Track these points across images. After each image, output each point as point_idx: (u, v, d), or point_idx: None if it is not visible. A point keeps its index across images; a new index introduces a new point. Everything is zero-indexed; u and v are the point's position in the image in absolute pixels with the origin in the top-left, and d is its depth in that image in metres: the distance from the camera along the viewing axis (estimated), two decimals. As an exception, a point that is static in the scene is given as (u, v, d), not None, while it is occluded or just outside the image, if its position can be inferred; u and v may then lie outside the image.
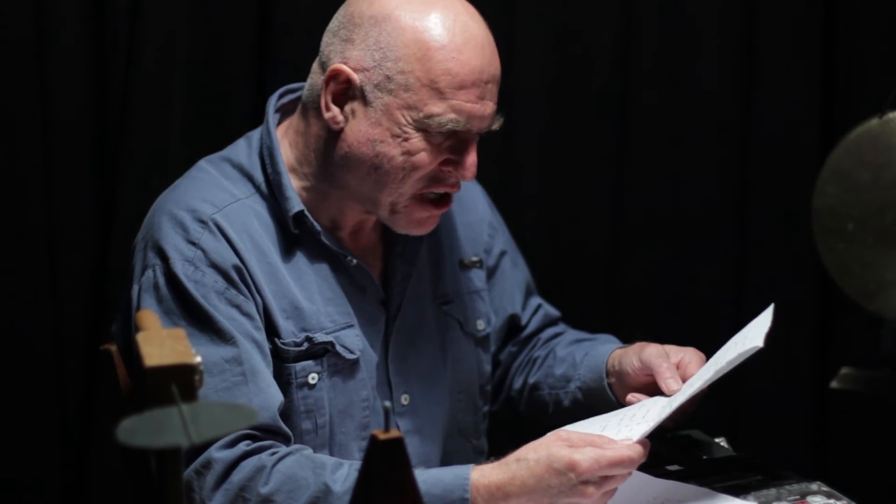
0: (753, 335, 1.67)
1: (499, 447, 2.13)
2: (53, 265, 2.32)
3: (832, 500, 1.68)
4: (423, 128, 1.74)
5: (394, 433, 1.28)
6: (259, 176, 1.83)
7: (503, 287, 2.08)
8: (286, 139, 1.85)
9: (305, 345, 1.79)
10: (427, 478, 1.64)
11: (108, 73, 2.32)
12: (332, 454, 1.81)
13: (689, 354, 1.84)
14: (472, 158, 1.78)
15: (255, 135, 1.88)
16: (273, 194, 1.82)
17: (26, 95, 2.27)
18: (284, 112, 1.89)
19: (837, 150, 2.24)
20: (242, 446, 1.66)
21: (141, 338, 1.20)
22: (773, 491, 1.70)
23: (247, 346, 1.72)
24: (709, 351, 1.89)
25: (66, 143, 2.31)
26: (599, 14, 2.63)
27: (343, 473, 1.66)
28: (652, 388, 1.82)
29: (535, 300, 2.14)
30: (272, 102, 1.88)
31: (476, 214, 2.06)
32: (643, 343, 1.89)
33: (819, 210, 2.25)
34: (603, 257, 2.72)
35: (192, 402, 1.11)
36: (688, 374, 1.80)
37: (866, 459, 2.74)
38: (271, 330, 1.77)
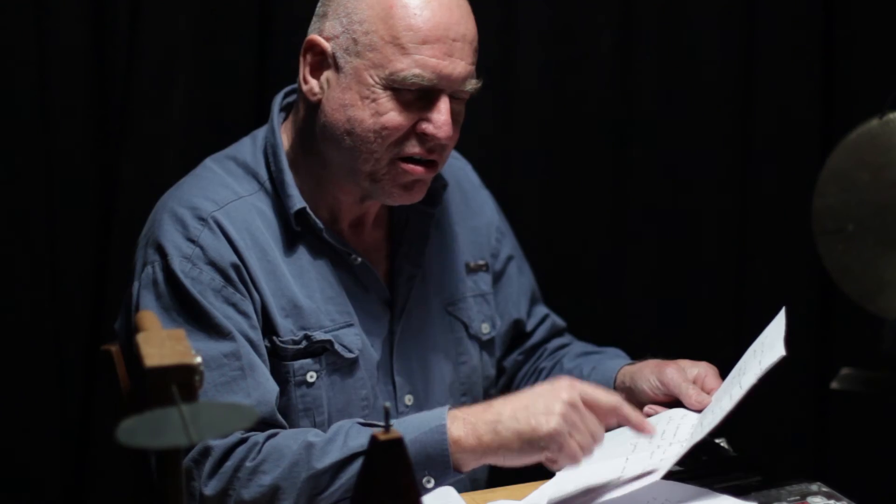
0: (772, 343, 1.67)
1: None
2: (53, 265, 2.32)
3: (832, 501, 1.68)
4: (390, 86, 1.75)
5: (394, 433, 1.28)
6: (263, 173, 1.84)
7: (509, 292, 2.08)
8: (286, 134, 1.87)
9: (304, 343, 1.79)
10: (407, 424, 1.67)
11: (108, 73, 2.32)
12: None
13: (703, 368, 1.84)
14: (443, 116, 1.77)
15: (260, 133, 1.89)
16: (276, 192, 1.82)
17: (26, 95, 2.27)
18: (289, 111, 1.90)
19: (837, 151, 2.24)
20: (238, 434, 1.67)
21: (141, 338, 1.20)
22: (772, 491, 1.70)
23: (244, 342, 1.73)
24: (710, 355, 1.89)
25: (66, 144, 2.31)
26: (599, 14, 2.63)
27: (330, 430, 1.68)
28: (668, 405, 1.84)
29: (542, 309, 2.14)
30: (277, 101, 1.90)
31: (483, 219, 2.06)
32: (659, 361, 1.89)
33: (819, 210, 2.25)
34: (602, 258, 2.72)
35: (192, 402, 1.11)
36: (706, 388, 1.81)
37: (866, 459, 2.74)
38: (270, 328, 1.78)
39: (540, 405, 1.64)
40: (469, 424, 1.66)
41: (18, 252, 2.30)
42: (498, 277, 2.07)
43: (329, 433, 1.68)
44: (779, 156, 2.76)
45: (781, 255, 2.78)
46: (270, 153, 1.84)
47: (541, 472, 1.78)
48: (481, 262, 2.03)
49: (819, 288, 2.74)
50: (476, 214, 2.05)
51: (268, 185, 1.83)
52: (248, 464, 1.65)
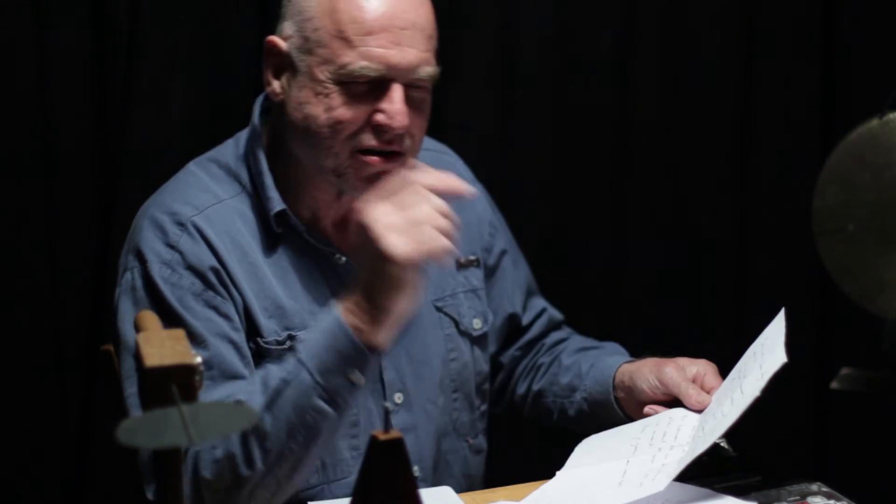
0: (772, 346, 1.67)
1: (498, 446, 2.14)
2: (53, 265, 2.32)
3: (832, 501, 1.68)
4: (341, 80, 1.75)
5: (394, 433, 1.28)
6: (245, 175, 1.85)
7: (503, 286, 2.08)
8: (267, 135, 1.87)
9: (288, 343, 1.80)
10: (310, 339, 1.70)
11: (108, 73, 2.32)
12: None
13: (702, 366, 1.85)
14: (396, 106, 1.75)
15: (243, 135, 1.90)
16: (258, 194, 1.83)
17: (27, 96, 2.27)
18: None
19: (837, 151, 2.23)
20: None
21: (141, 338, 1.20)
22: (773, 491, 1.70)
23: (220, 348, 1.73)
24: (710, 355, 1.89)
25: (66, 144, 2.31)
26: (599, 14, 2.63)
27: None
28: (668, 404, 1.83)
29: (539, 302, 2.14)
30: (259, 102, 1.90)
31: (474, 214, 2.05)
32: (658, 360, 1.89)
33: (819, 210, 2.24)
34: (603, 257, 2.72)
35: (192, 402, 1.11)
36: (705, 386, 1.81)
37: (866, 459, 2.74)
38: (253, 330, 1.78)
39: (373, 255, 1.66)
40: (358, 308, 1.68)
41: (18, 252, 2.31)
42: (492, 272, 2.06)
43: (252, 385, 1.70)
44: (779, 156, 2.76)
45: (781, 255, 2.78)
46: (251, 155, 1.85)
47: (541, 472, 1.78)
48: (472, 258, 2.02)
49: (819, 288, 2.74)
50: (467, 210, 2.04)
51: (249, 187, 1.84)
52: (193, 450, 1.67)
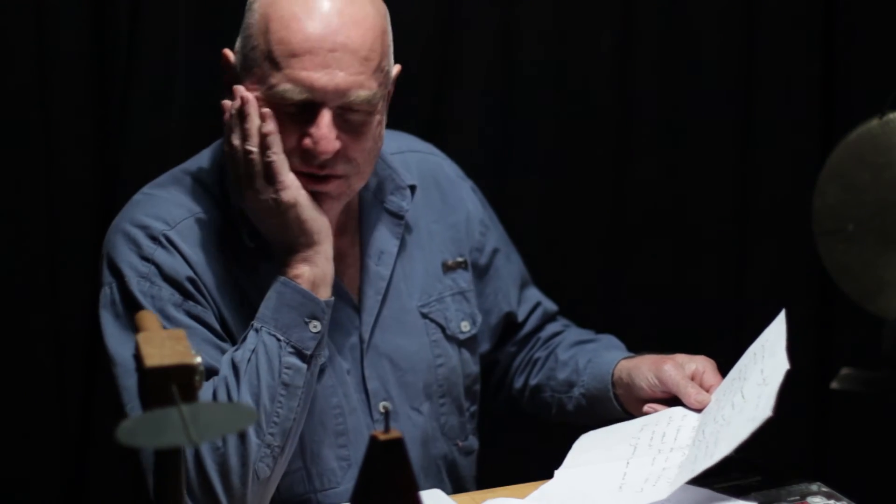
0: (773, 349, 1.66)
1: (494, 446, 2.14)
2: (53, 265, 2.32)
3: (832, 501, 1.68)
4: (272, 102, 1.73)
5: (394, 433, 1.28)
6: (217, 188, 1.84)
7: (497, 285, 2.07)
8: None
9: None
10: (263, 311, 1.73)
11: (108, 73, 2.32)
12: (304, 463, 1.81)
13: (700, 363, 1.85)
14: (321, 130, 1.72)
15: (218, 144, 1.89)
16: (230, 207, 1.82)
17: (27, 96, 2.26)
18: None
19: (837, 151, 2.24)
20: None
21: (141, 338, 1.20)
22: (773, 492, 1.70)
23: (207, 354, 1.73)
24: (710, 355, 1.89)
25: (66, 144, 2.31)
26: (599, 14, 2.63)
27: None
28: (667, 401, 1.83)
29: (533, 294, 2.13)
30: None
31: (463, 213, 2.04)
32: (656, 357, 1.88)
33: (819, 210, 2.25)
34: (603, 257, 2.72)
35: (192, 402, 1.11)
36: (704, 384, 1.81)
37: (866, 459, 2.74)
38: (230, 340, 1.78)
39: (280, 220, 1.73)
40: (289, 264, 1.73)
41: (18, 252, 2.30)
42: (485, 271, 2.06)
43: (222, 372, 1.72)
44: (779, 156, 2.76)
45: (781, 255, 2.77)
46: (222, 168, 1.84)
47: (539, 473, 1.78)
48: (460, 260, 2.01)
49: (819, 288, 2.74)
50: (454, 210, 2.03)
51: (222, 200, 1.83)
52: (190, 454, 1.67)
